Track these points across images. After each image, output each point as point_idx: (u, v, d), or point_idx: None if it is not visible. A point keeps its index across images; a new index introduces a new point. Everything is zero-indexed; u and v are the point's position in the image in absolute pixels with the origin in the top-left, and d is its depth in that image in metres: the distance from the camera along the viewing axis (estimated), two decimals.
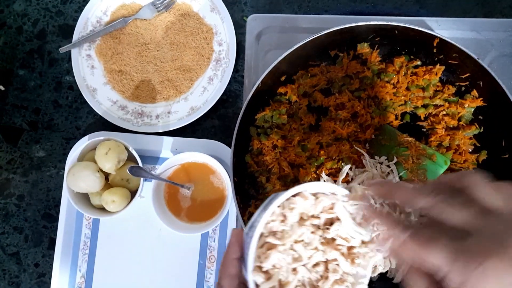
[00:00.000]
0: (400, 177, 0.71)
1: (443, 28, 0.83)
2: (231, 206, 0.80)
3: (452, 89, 0.75)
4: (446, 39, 0.69)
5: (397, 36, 0.73)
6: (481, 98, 0.73)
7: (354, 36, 0.74)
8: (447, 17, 0.84)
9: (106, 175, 0.81)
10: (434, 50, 0.73)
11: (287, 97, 0.78)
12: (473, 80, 0.73)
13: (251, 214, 0.74)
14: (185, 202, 0.82)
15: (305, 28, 0.85)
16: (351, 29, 0.71)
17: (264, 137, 0.76)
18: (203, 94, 0.87)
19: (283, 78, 0.78)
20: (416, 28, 0.69)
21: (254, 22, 0.86)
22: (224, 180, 0.80)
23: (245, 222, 0.71)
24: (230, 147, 0.83)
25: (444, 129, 0.74)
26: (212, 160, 0.79)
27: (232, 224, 0.83)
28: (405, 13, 0.88)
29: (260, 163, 0.77)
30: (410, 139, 0.72)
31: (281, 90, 0.78)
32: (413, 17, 0.83)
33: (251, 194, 0.77)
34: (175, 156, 0.80)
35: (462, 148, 0.74)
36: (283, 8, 0.90)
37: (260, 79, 0.71)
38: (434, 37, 0.70)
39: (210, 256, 0.83)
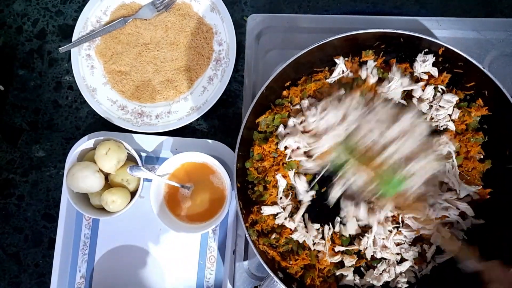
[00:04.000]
0: None
1: (444, 28, 0.82)
2: (231, 206, 0.80)
3: (461, 94, 0.74)
4: (452, 48, 0.69)
5: (402, 44, 0.73)
6: (486, 107, 0.72)
7: (359, 43, 0.74)
8: (448, 17, 0.83)
9: (106, 175, 0.81)
10: (440, 59, 0.72)
11: (289, 100, 0.78)
12: (478, 89, 0.72)
13: (253, 221, 0.75)
14: (185, 202, 0.82)
15: (305, 28, 0.85)
16: (356, 36, 0.70)
17: (263, 141, 0.76)
18: (203, 94, 0.87)
19: (287, 84, 0.77)
20: (422, 36, 0.69)
21: (254, 21, 0.86)
22: (224, 180, 0.80)
23: (247, 228, 0.71)
24: (230, 147, 0.83)
25: (454, 135, 0.74)
26: (212, 160, 0.79)
27: (232, 224, 0.82)
28: (406, 13, 0.88)
29: (260, 169, 0.77)
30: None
31: (284, 93, 0.78)
32: (414, 17, 0.83)
33: (253, 200, 0.76)
34: (175, 156, 0.80)
35: (471, 153, 0.73)
36: (283, 8, 0.90)
37: (264, 87, 0.71)
38: (440, 45, 0.70)
39: (210, 256, 0.83)
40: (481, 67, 0.68)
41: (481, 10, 0.87)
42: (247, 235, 0.69)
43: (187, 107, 0.87)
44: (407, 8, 0.88)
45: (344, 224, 0.74)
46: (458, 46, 0.80)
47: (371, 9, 0.89)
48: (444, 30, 0.82)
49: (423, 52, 0.73)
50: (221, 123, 0.89)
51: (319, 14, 0.88)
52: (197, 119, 0.87)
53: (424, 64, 0.73)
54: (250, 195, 0.77)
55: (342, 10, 0.89)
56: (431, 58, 0.72)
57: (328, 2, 0.90)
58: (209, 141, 0.84)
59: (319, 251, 0.74)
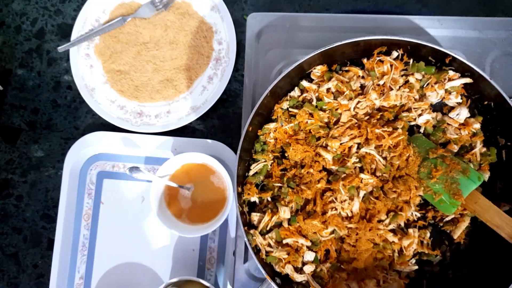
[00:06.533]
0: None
1: (446, 27, 0.82)
2: (231, 208, 0.79)
3: (480, 118, 0.74)
4: (459, 58, 0.68)
5: (409, 51, 0.73)
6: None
7: (364, 47, 0.73)
8: (449, 16, 0.83)
9: None
10: (446, 68, 0.73)
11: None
12: (483, 100, 0.73)
13: (253, 225, 0.74)
14: (186, 203, 0.81)
15: (305, 27, 0.84)
16: (364, 42, 0.70)
17: (259, 153, 0.76)
18: (203, 93, 0.86)
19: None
20: (429, 45, 0.69)
21: (254, 20, 0.85)
22: (225, 180, 0.79)
23: (247, 233, 0.70)
24: (230, 147, 0.82)
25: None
26: (212, 160, 0.78)
27: (232, 225, 0.82)
28: (407, 12, 0.87)
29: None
30: (444, 151, 0.71)
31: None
32: (415, 16, 0.82)
33: (255, 204, 0.76)
34: (175, 157, 0.79)
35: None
36: (284, 7, 0.90)
37: (264, 95, 0.70)
38: (447, 55, 0.69)
39: (209, 257, 0.83)
40: (487, 77, 0.68)
41: (482, 9, 0.87)
42: (246, 240, 0.69)
43: (186, 107, 0.86)
44: (408, 6, 0.88)
45: None
46: (459, 46, 0.81)
47: (372, 8, 0.88)
48: (445, 29, 0.82)
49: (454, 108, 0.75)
50: (221, 123, 0.88)
51: (320, 13, 0.88)
52: (197, 119, 0.86)
53: (458, 118, 0.74)
54: (249, 199, 0.76)
55: (343, 9, 0.88)
56: (463, 112, 0.73)
57: (329, 1, 0.89)
58: (209, 141, 0.83)
59: None
